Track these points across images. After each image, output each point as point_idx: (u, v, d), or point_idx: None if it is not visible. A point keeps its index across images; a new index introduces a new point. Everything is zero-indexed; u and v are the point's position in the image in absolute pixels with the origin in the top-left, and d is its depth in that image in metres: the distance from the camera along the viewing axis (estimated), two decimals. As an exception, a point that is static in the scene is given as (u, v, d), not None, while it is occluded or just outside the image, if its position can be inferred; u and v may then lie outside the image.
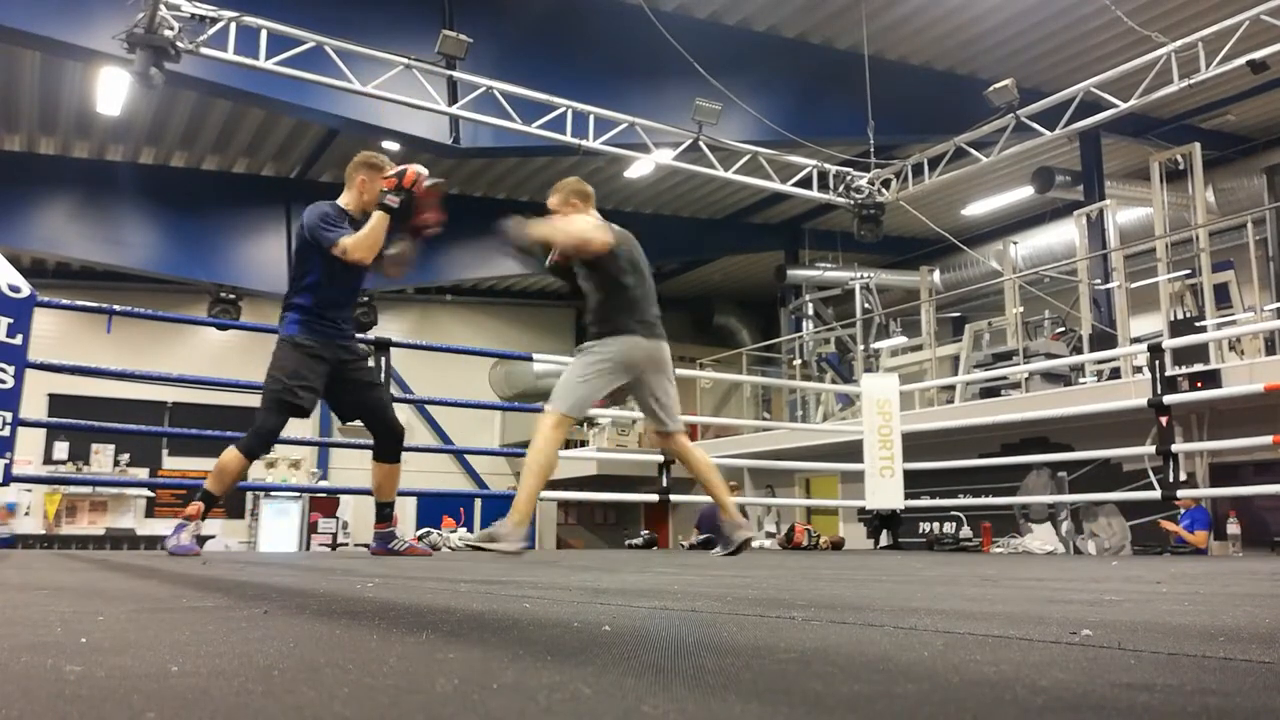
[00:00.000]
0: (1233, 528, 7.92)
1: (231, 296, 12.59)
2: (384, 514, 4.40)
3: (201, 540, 4.12)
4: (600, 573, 2.56)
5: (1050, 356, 10.25)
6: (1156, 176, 10.58)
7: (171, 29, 7.26)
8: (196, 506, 3.87)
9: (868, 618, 1.27)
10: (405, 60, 8.23)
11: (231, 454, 3.85)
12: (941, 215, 13.46)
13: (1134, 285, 10.49)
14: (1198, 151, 10.48)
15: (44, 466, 13.61)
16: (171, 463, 14.76)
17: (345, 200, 4.09)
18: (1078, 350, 10.59)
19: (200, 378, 11.74)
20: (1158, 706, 0.62)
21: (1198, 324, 9.31)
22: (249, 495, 14.40)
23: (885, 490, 7.17)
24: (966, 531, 10.00)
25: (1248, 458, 7.76)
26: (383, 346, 5.53)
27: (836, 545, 8.49)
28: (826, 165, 10.57)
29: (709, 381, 14.40)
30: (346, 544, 14.40)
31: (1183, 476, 6.21)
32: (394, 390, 5.59)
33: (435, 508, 13.57)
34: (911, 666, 0.79)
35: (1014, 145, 9.40)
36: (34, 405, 5.08)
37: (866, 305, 14.50)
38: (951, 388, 11.52)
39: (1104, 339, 10.22)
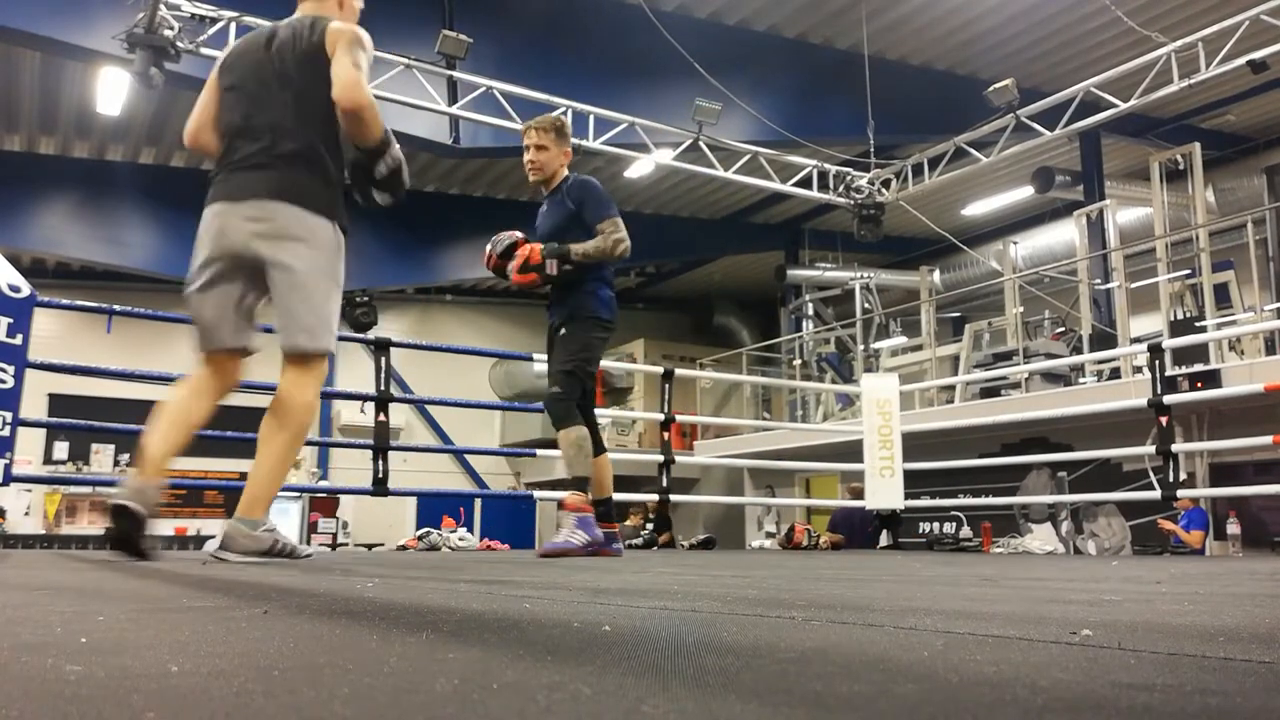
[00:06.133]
0: (1232, 528, 7.92)
1: (231, 296, 12.58)
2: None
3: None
4: (600, 573, 2.56)
5: (1050, 356, 10.25)
6: (1156, 176, 10.59)
7: (171, 29, 7.27)
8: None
9: (868, 618, 1.27)
10: (405, 60, 8.23)
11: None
12: (941, 215, 13.46)
13: (1134, 285, 10.49)
14: (1198, 151, 10.49)
15: (44, 466, 13.61)
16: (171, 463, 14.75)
17: None
18: (1078, 350, 10.60)
19: (200, 378, 11.72)
20: (1158, 706, 0.62)
21: (1198, 324, 9.32)
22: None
23: (885, 490, 7.17)
24: (966, 531, 10.00)
25: (1248, 458, 7.76)
26: (382, 346, 5.54)
27: (836, 545, 8.49)
28: (826, 165, 10.58)
29: (709, 381, 14.41)
30: (346, 544, 14.40)
31: (1183, 476, 6.21)
32: (394, 390, 5.58)
33: (435, 508, 13.57)
34: (911, 666, 0.79)
35: (1014, 145, 9.41)
36: (34, 405, 5.08)
37: (866, 305, 14.50)
38: (951, 388, 11.52)
39: (1104, 339, 10.22)
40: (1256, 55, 7.59)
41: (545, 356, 4.32)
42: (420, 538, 8.37)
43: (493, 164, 13.10)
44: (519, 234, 4.17)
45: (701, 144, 9.41)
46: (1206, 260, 9.74)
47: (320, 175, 2.90)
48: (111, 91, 9.92)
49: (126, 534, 2.65)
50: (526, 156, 4.22)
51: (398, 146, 3.01)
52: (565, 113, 8.90)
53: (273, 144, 2.87)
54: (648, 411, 13.52)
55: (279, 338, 2.95)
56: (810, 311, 15.18)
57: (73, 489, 14.05)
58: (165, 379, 5.15)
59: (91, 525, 14.14)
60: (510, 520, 15.39)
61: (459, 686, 0.68)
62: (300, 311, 2.88)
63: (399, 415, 14.55)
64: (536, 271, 3.99)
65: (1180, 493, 6.17)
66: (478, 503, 15.06)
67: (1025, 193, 13.20)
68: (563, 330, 4.09)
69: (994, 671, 0.77)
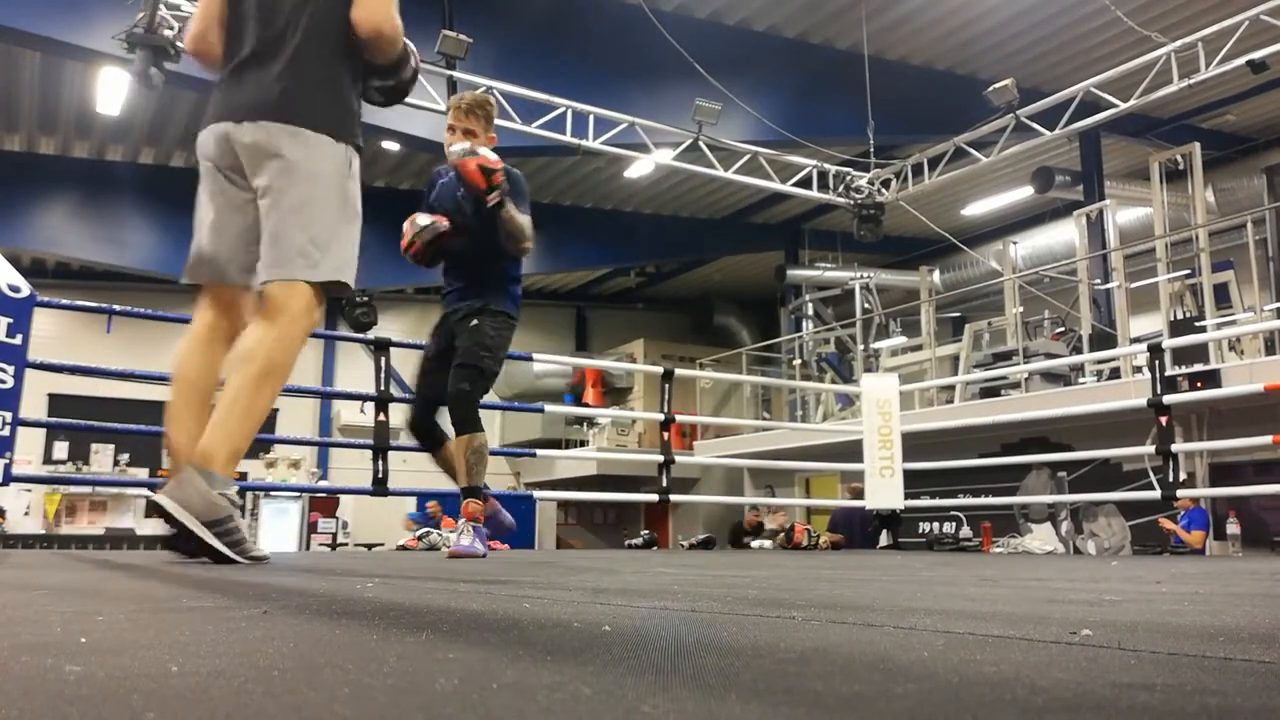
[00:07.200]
0: (1232, 528, 7.93)
1: (231, 296, 12.58)
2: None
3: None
4: (600, 573, 2.56)
5: (1050, 356, 10.25)
6: (1156, 176, 10.59)
7: (171, 29, 7.26)
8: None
9: (868, 618, 1.27)
10: (405, 60, 8.22)
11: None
12: (941, 215, 13.47)
13: (1134, 285, 10.49)
14: (1198, 151, 10.49)
15: (44, 466, 13.60)
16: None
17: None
18: (1078, 350, 10.60)
19: (200, 378, 11.70)
20: (1158, 706, 0.62)
21: (1198, 324, 9.32)
22: (249, 495, 14.39)
23: (885, 490, 7.16)
24: (966, 531, 10.00)
25: (1248, 458, 7.76)
26: (382, 346, 5.54)
27: (836, 545, 8.49)
28: (826, 165, 10.58)
29: (709, 381, 14.41)
30: (346, 544, 14.40)
31: (1182, 476, 6.21)
32: (394, 390, 5.59)
33: (435, 508, 13.53)
34: (911, 666, 0.79)
35: (1014, 145, 9.41)
36: (34, 405, 5.08)
37: (866, 305, 14.51)
38: (951, 388, 11.52)
39: (1104, 339, 10.22)
40: (1256, 55, 7.59)
41: (545, 356, 4.26)
42: (420, 538, 8.38)
43: (493, 164, 13.09)
44: (445, 223, 3.92)
45: (701, 144, 9.41)
46: (1206, 260, 9.74)
47: (329, 88, 2.58)
48: (111, 91, 9.92)
49: (173, 537, 2.38)
50: (451, 139, 3.89)
51: (416, 58, 2.84)
52: (565, 112, 8.91)
53: (280, 52, 2.52)
54: (648, 411, 13.51)
55: (262, 272, 2.46)
56: (810, 311, 15.19)
57: (72, 489, 14.03)
58: (165, 379, 5.15)
59: (91, 525, 14.13)
60: (510, 520, 15.35)
61: (459, 686, 0.68)
62: (293, 233, 2.42)
63: (399, 415, 14.50)
64: (490, 188, 3.62)
65: (1180, 493, 6.17)
66: (477, 503, 15.02)
67: (1025, 193, 13.21)
68: (474, 321, 3.95)
69: (994, 671, 0.77)
